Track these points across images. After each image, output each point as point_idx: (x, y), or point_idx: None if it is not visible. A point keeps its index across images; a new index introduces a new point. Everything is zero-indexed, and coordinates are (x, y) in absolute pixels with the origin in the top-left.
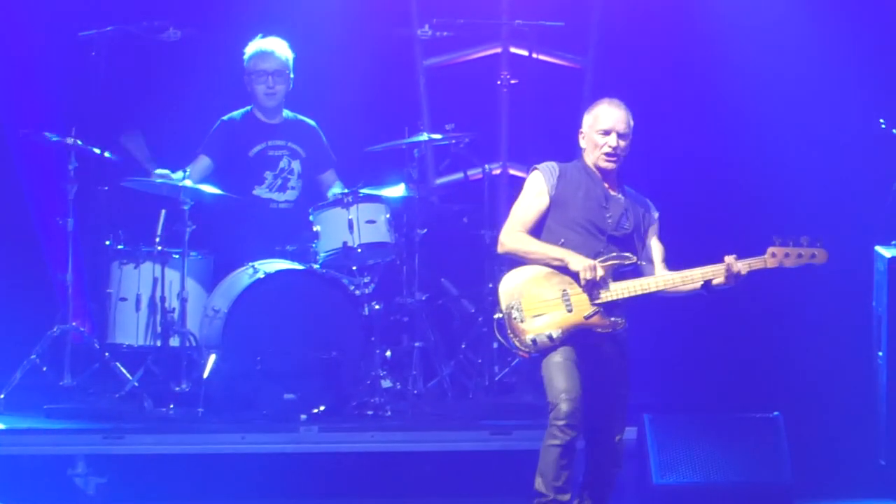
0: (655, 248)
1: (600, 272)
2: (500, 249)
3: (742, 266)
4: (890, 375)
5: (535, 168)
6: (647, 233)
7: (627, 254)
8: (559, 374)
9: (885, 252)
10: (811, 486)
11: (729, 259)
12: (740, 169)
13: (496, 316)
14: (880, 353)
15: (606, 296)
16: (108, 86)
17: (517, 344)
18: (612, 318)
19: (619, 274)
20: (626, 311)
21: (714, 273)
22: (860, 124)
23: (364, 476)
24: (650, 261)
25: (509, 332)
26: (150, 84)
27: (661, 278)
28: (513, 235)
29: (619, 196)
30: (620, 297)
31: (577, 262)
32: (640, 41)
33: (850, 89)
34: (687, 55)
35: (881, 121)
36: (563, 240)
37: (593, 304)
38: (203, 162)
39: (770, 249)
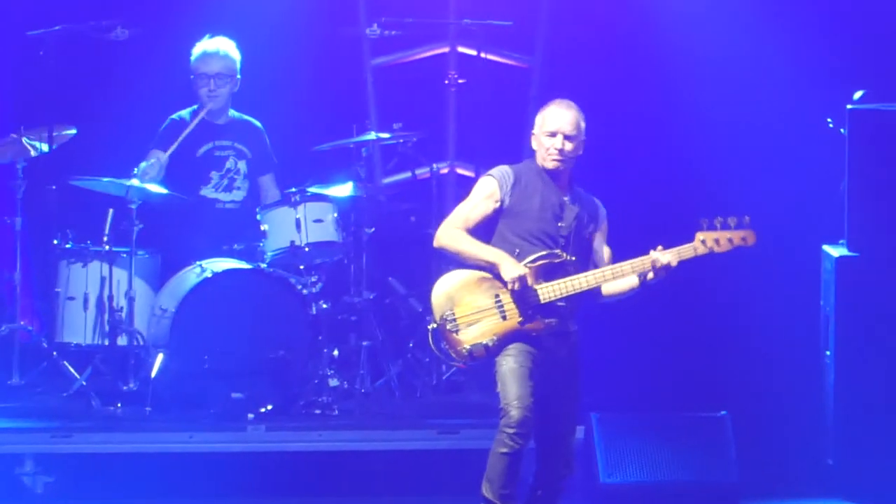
0: (602, 251)
1: (530, 280)
2: (435, 244)
3: (671, 257)
4: (837, 375)
5: (490, 174)
6: (595, 236)
7: (557, 251)
8: (512, 381)
9: (833, 251)
10: (758, 486)
11: (654, 252)
12: (687, 168)
13: (430, 326)
14: (828, 353)
15: (537, 299)
16: (56, 85)
17: (453, 355)
18: (548, 320)
19: (551, 273)
20: (570, 313)
21: (643, 265)
22: (807, 124)
23: (312, 475)
24: (597, 264)
25: (444, 343)
26: (98, 83)
27: (591, 274)
28: (450, 232)
29: (573, 201)
30: (551, 298)
31: (508, 269)
32: (587, 40)
33: (797, 89)
34: (634, 54)
35: (828, 120)
36: (518, 250)
37: (526, 309)
38: (161, 156)
39: (699, 235)
